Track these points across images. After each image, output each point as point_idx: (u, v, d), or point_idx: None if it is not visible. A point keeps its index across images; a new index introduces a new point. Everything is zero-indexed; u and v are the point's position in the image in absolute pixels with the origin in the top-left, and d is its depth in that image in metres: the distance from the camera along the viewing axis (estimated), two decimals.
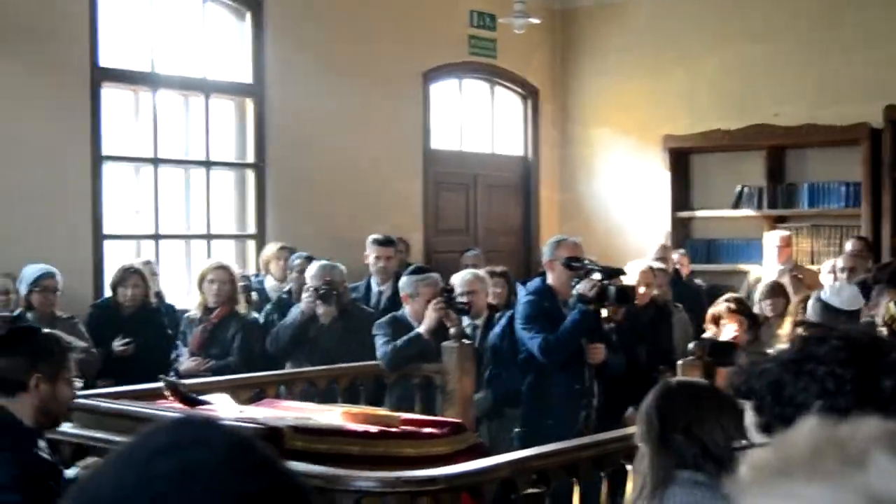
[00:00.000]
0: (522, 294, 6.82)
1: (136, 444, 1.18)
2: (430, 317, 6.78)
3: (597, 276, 6.43)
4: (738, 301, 7.37)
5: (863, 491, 0.98)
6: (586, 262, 6.65)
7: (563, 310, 6.55)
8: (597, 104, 12.36)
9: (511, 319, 6.81)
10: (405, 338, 6.77)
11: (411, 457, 4.81)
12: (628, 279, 7.12)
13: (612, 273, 6.62)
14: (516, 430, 6.53)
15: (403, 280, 7.18)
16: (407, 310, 7.07)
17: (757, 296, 8.06)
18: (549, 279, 6.71)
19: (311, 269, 7.51)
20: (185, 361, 7.25)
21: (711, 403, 3.18)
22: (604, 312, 6.41)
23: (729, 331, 7.04)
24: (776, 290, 7.91)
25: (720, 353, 6.20)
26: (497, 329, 6.97)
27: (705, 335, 7.12)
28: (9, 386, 3.87)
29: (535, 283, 6.89)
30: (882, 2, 10.40)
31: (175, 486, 1.12)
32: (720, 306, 7.22)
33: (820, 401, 1.94)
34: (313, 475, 4.17)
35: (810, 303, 6.48)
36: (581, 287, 6.40)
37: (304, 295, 7.25)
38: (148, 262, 8.42)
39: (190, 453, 1.14)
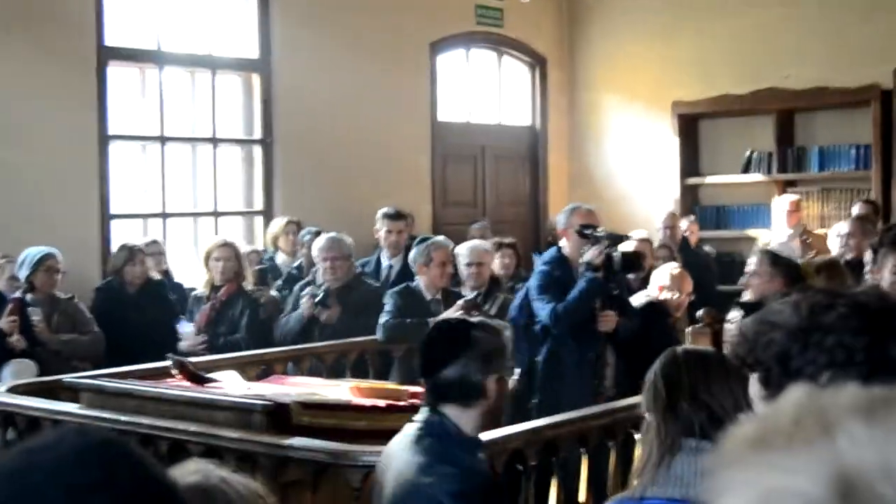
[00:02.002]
0: (538, 263, 6.81)
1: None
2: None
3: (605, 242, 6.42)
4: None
5: (834, 459, 0.97)
6: (600, 229, 6.61)
7: (577, 278, 6.51)
8: (605, 71, 12.29)
9: (527, 291, 6.79)
10: (413, 322, 6.76)
11: None
12: (665, 279, 7.03)
13: (618, 240, 6.59)
14: (533, 400, 6.52)
15: (413, 251, 7.18)
16: (421, 281, 7.05)
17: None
18: (564, 248, 6.67)
19: (319, 242, 7.53)
20: (187, 340, 7.25)
21: (718, 370, 3.14)
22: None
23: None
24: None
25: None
26: (515, 301, 6.95)
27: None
28: (468, 394, 3.41)
29: (549, 252, 6.87)
30: None
31: (17, 479, 1.24)
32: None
33: (829, 371, 1.90)
34: (321, 450, 4.19)
35: (755, 255, 6.48)
36: (588, 255, 6.38)
37: (303, 301, 7.21)
38: (154, 242, 8.42)
39: (35, 455, 1.26)
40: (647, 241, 8.18)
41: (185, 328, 7.33)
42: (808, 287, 2.14)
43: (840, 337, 1.91)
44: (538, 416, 5.54)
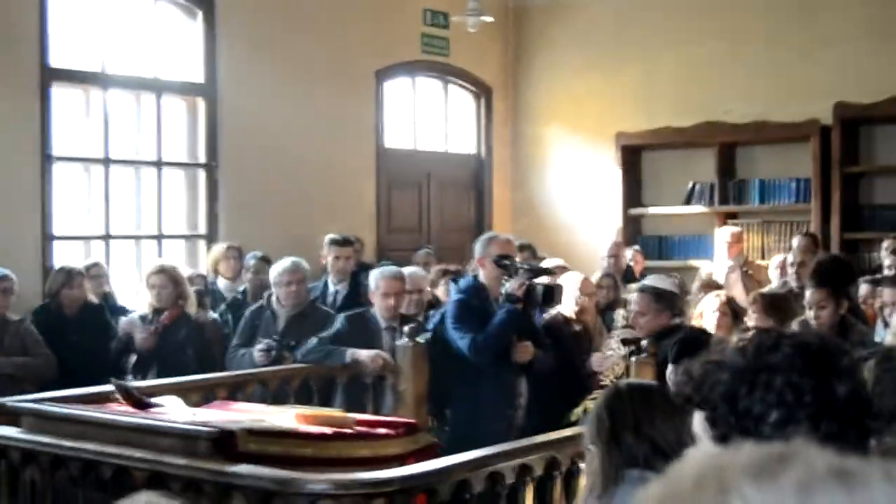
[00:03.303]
0: (453, 292, 6.78)
1: None
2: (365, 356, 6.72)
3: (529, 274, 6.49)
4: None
5: None
6: (518, 261, 6.69)
7: (494, 307, 6.51)
8: (549, 102, 12.38)
9: (443, 318, 6.79)
10: (333, 349, 6.76)
11: (365, 458, 4.79)
12: (569, 289, 7.08)
13: (540, 272, 6.64)
14: (445, 428, 6.53)
15: (370, 277, 7.16)
16: (376, 308, 7.03)
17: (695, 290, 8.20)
18: (481, 276, 6.68)
19: (281, 265, 7.49)
20: (138, 331, 7.17)
21: (661, 403, 3.22)
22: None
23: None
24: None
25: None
26: (429, 326, 6.95)
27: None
28: None
29: (465, 280, 6.86)
30: (832, 2, 10.49)
31: None
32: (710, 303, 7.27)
33: (778, 411, 1.92)
34: (266, 478, 4.17)
35: (634, 292, 6.63)
36: (509, 286, 6.40)
37: (258, 352, 7.14)
38: (96, 264, 8.34)
39: None
40: (563, 268, 8.30)
41: (133, 319, 7.24)
42: (749, 328, 2.17)
43: (787, 377, 1.93)
44: (450, 446, 5.48)
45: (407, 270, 7.59)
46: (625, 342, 6.17)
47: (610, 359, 6.26)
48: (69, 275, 7.66)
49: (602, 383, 6.05)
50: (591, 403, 5.81)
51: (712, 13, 11.33)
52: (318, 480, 4.11)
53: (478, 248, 6.76)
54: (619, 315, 6.62)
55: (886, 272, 7.84)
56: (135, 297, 8.05)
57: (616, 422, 3.21)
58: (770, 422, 1.89)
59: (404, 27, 11.45)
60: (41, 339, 7.24)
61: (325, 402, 6.61)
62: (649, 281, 6.58)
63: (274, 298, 7.48)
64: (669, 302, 6.21)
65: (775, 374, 1.94)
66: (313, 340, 6.84)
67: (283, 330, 7.27)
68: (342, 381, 6.83)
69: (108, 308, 8.00)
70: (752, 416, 1.92)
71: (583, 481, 3.44)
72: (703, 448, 1.11)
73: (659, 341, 5.98)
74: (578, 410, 5.93)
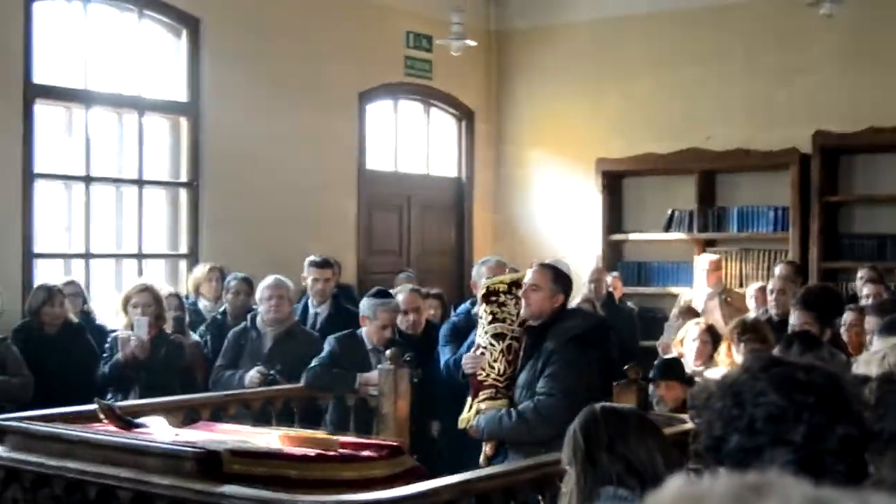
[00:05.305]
0: (452, 314, 6.95)
1: None
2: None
3: None
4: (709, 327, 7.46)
5: None
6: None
7: None
8: (531, 126, 12.44)
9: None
10: (337, 372, 6.78)
11: (350, 480, 4.79)
12: None
13: None
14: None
15: (364, 302, 7.16)
16: (364, 330, 7.06)
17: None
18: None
19: (265, 281, 7.56)
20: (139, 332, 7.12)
21: (634, 424, 3.44)
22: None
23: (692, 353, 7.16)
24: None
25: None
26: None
27: (669, 355, 7.23)
28: None
29: (464, 304, 7.03)
30: (813, 29, 10.57)
31: None
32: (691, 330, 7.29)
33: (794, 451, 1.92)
34: (252, 498, 4.16)
35: (532, 268, 6.00)
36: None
37: (253, 375, 7.10)
38: (72, 282, 8.29)
39: None
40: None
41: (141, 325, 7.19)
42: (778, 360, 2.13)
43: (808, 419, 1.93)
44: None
45: (401, 291, 7.67)
46: (496, 336, 5.83)
47: (482, 357, 5.85)
48: (49, 292, 7.61)
49: (485, 383, 5.82)
50: (482, 405, 5.80)
51: (694, 41, 11.42)
52: (305, 502, 4.11)
53: (474, 272, 6.86)
54: (482, 309, 6.21)
55: (864, 301, 7.88)
56: (115, 316, 8.00)
57: (590, 443, 3.37)
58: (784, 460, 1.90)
59: (388, 49, 11.49)
60: (22, 360, 7.19)
61: (308, 423, 6.60)
62: (549, 261, 6.24)
63: (259, 318, 7.48)
64: (565, 285, 5.83)
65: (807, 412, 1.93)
66: (314, 364, 6.84)
67: (270, 350, 7.27)
68: (331, 403, 6.85)
69: (88, 327, 7.96)
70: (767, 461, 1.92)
71: (562, 501, 3.51)
72: (674, 480, 1.11)
73: (547, 328, 5.68)
74: (468, 415, 5.90)
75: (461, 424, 5.94)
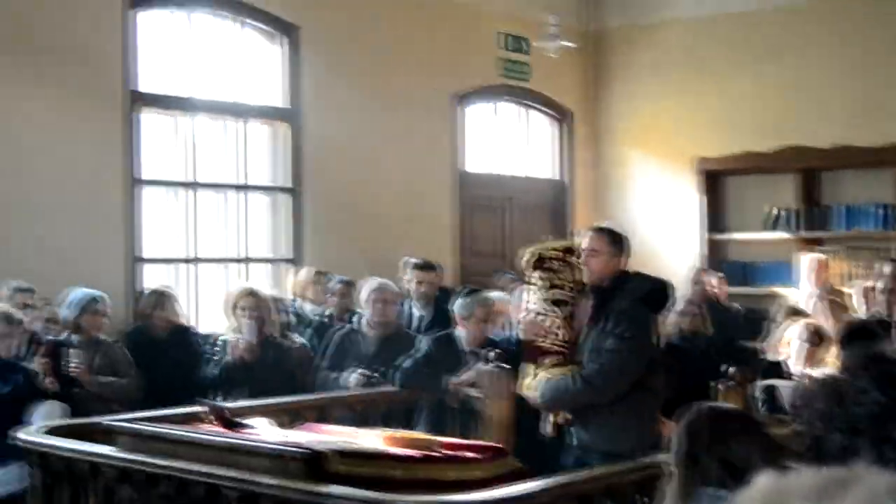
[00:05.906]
0: None
1: None
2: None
3: None
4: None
5: None
6: None
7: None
8: (630, 126, 12.37)
9: None
10: (429, 372, 6.74)
11: (452, 480, 4.80)
12: None
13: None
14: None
15: (458, 302, 7.09)
16: (461, 332, 6.95)
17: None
18: None
19: (371, 284, 7.54)
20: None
21: (736, 425, 3.43)
22: None
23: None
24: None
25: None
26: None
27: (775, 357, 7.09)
28: None
29: None
30: None
31: None
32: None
33: None
34: (359, 499, 4.19)
35: (588, 232, 5.80)
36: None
37: (356, 377, 7.18)
38: (167, 287, 8.40)
39: None
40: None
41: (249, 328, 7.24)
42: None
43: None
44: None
45: (494, 295, 7.61)
46: (556, 303, 5.62)
47: (539, 324, 5.62)
48: (161, 297, 7.79)
49: (549, 350, 5.63)
50: (550, 371, 5.64)
51: (793, 37, 11.25)
52: (409, 502, 4.13)
53: None
54: (536, 276, 5.95)
55: None
56: (222, 320, 8.11)
57: (693, 443, 3.36)
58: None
59: (482, 52, 11.51)
60: (132, 361, 7.34)
61: (407, 426, 6.63)
62: (605, 224, 6.09)
63: (363, 321, 7.51)
64: (623, 246, 5.67)
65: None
66: (408, 362, 6.83)
67: (374, 353, 7.30)
68: (426, 405, 6.85)
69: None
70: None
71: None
72: (762, 477, 1.12)
73: (611, 290, 5.54)
74: (531, 381, 5.70)
75: (523, 390, 5.76)
